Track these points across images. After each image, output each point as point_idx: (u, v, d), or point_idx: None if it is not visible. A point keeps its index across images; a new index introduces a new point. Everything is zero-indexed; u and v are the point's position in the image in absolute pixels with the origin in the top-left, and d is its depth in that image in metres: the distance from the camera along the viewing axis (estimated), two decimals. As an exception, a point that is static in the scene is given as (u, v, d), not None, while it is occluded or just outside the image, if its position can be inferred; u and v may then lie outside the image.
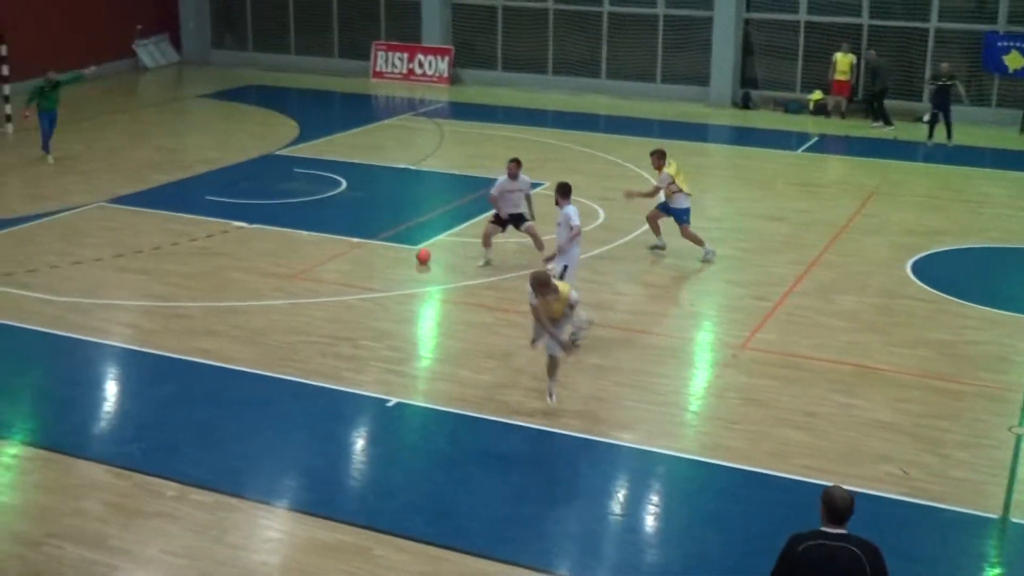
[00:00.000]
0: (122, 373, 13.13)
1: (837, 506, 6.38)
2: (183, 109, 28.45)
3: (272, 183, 20.92)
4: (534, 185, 19.92)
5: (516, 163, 16.48)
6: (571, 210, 14.00)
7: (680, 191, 16.52)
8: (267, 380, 12.56)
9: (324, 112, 28.64)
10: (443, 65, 31.40)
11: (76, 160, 22.43)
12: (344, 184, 20.67)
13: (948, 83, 24.15)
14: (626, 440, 11.29)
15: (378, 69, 32.16)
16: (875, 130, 25.77)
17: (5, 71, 24.84)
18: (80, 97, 28.47)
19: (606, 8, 29.79)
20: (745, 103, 28.38)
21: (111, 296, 15.05)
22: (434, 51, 31.49)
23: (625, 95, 29.22)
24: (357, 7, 32.72)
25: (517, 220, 16.47)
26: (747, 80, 28.90)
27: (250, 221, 18.31)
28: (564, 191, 14.12)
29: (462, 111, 28.06)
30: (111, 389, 12.72)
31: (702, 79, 29.04)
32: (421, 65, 31.62)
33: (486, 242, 16.45)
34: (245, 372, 12.75)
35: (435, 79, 31.36)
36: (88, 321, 14.16)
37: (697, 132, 26.03)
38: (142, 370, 13.05)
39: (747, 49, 28.74)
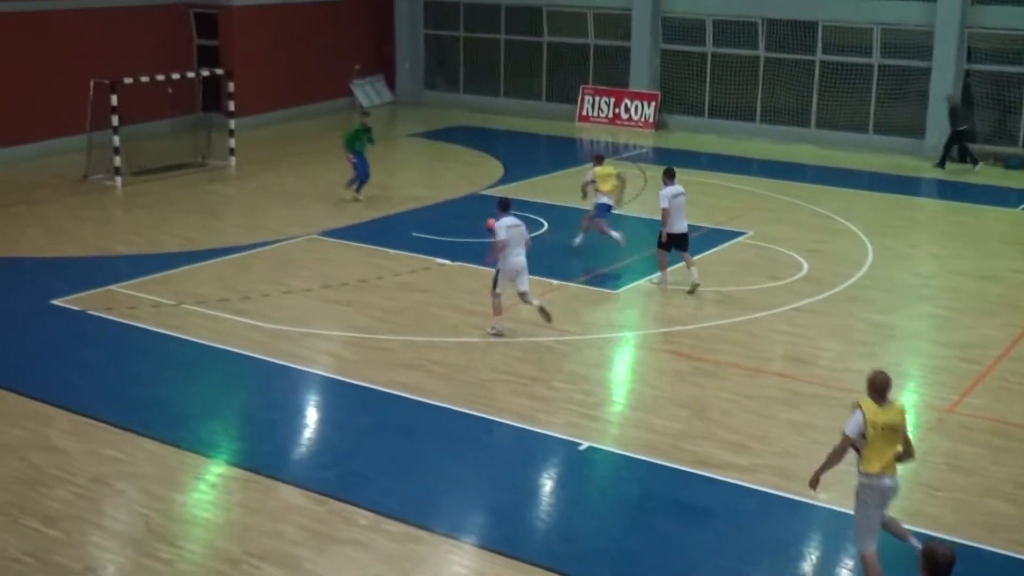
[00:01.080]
0: (323, 401, 13.54)
1: (939, 564, 6.36)
2: (395, 147, 29.30)
3: (476, 222, 21.23)
4: (739, 234, 19.71)
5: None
6: (501, 223, 15.04)
7: (600, 191, 18.62)
8: (461, 416, 12.73)
9: (529, 154, 29.02)
10: (650, 110, 31.42)
11: (292, 194, 23.36)
12: (546, 226, 20.85)
13: None
14: (821, 500, 10.93)
15: (584, 113, 32.43)
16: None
17: (232, 107, 26.15)
18: (299, 134, 29.72)
19: (818, 57, 29.25)
20: (962, 157, 27.30)
21: (317, 326, 15.57)
22: (641, 96, 31.56)
23: (835, 145, 28.58)
24: (566, 51, 33.13)
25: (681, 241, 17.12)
26: (965, 133, 27.83)
27: (453, 259, 18.67)
28: (502, 205, 15.42)
29: (667, 157, 27.92)
30: (312, 416, 13.12)
31: (917, 131, 28.14)
32: (627, 110, 31.73)
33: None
34: (440, 407, 12.95)
35: (641, 124, 31.41)
36: (294, 349, 14.68)
37: (909, 186, 25.21)
38: (342, 399, 13.42)
39: (967, 101, 27.70)
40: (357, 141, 22.48)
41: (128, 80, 24.01)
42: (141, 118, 24.61)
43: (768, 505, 10.91)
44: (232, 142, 25.96)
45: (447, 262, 18.53)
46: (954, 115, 26.37)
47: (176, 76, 25.76)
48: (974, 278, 18.19)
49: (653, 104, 31.39)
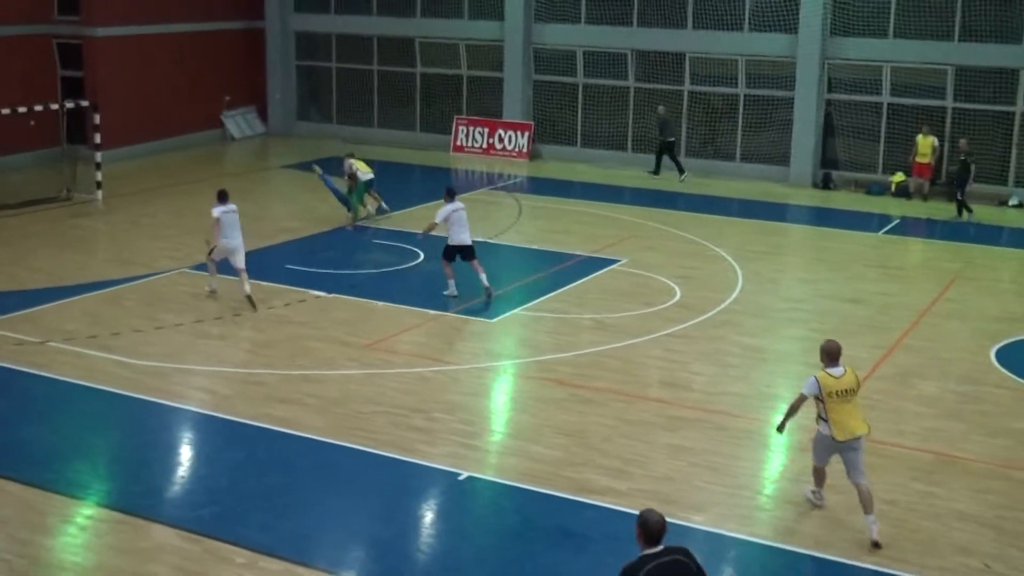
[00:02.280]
0: (196, 438, 13.25)
1: (653, 528, 7.23)
2: (267, 179, 28.98)
3: (350, 254, 21.16)
4: (613, 261, 20.03)
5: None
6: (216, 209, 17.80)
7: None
8: (339, 449, 12.59)
9: (404, 184, 28.96)
10: (523, 140, 31.69)
11: (162, 226, 22.90)
12: (422, 256, 20.82)
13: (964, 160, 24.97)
14: (697, 522, 11.10)
15: (459, 143, 32.56)
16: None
17: (98, 139, 25.55)
18: (168, 164, 29.17)
19: (687, 87, 29.90)
20: (826, 184, 28.18)
21: (189, 361, 15.26)
22: (514, 126, 31.81)
23: (704, 173, 29.19)
24: (439, 82, 33.24)
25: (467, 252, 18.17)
26: (828, 161, 28.74)
27: (328, 290, 18.51)
28: (220, 196, 18.13)
29: (541, 186, 28.23)
30: (184, 453, 12.83)
31: (782, 159, 28.95)
32: (501, 140, 31.95)
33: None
34: (317, 440, 12.79)
35: (515, 154, 31.65)
36: (165, 385, 14.35)
37: (776, 212, 25.89)
38: (215, 435, 13.16)
39: (828, 130, 28.62)
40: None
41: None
42: (2, 151, 23.88)
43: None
44: (99, 175, 25.32)
45: (322, 294, 18.37)
46: (663, 127, 28.83)
47: (39, 108, 25.04)
48: (840, 301, 18.72)
49: (526, 134, 31.66)
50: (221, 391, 14.28)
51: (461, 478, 11.97)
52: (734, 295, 18.77)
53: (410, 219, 23.79)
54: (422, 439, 12.86)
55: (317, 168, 24.35)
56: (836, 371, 10.84)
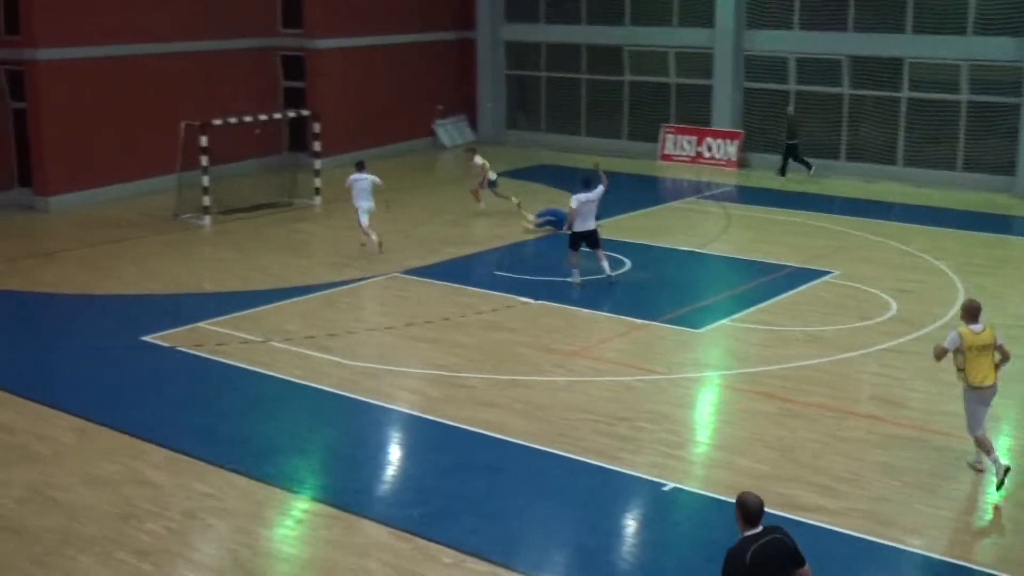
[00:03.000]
0: (406, 438, 13.59)
1: (751, 510, 7.53)
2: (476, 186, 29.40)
3: (558, 261, 21.28)
4: (825, 272, 19.61)
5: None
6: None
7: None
8: (544, 455, 12.68)
9: (611, 193, 28.86)
10: (732, 148, 31.26)
11: (377, 232, 23.55)
12: (629, 264, 20.80)
13: None
14: (914, 546, 10.69)
15: (666, 152, 32.37)
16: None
17: (317, 147, 26.55)
18: (383, 171, 29.98)
19: (905, 94, 28.90)
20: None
21: (401, 363, 15.67)
22: (723, 134, 31.42)
23: (922, 183, 28.16)
24: (648, 90, 33.13)
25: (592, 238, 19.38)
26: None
27: (535, 297, 18.69)
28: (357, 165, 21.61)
29: (750, 195, 27.79)
30: (395, 453, 13.17)
31: (1007, 168, 27.64)
32: (709, 148, 31.61)
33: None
34: (523, 445, 12.92)
35: (723, 163, 31.26)
36: (378, 386, 14.78)
37: (1001, 224, 24.73)
38: (425, 437, 13.46)
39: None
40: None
41: (217, 122, 24.51)
42: (229, 158, 25.09)
43: (861, 550, 10.68)
44: (318, 181, 26.34)
45: (530, 301, 18.56)
46: (791, 128, 29.25)
47: (263, 117, 26.22)
48: (1070, 318, 17.74)
49: (735, 142, 31.22)
50: (431, 393, 14.61)
51: (666, 489, 11.88)
52: (954, 310, 18.00)
53: (617, 228, 23.77)
54: (627, 448, 12.83)
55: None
56: (976, 327, 11.99)
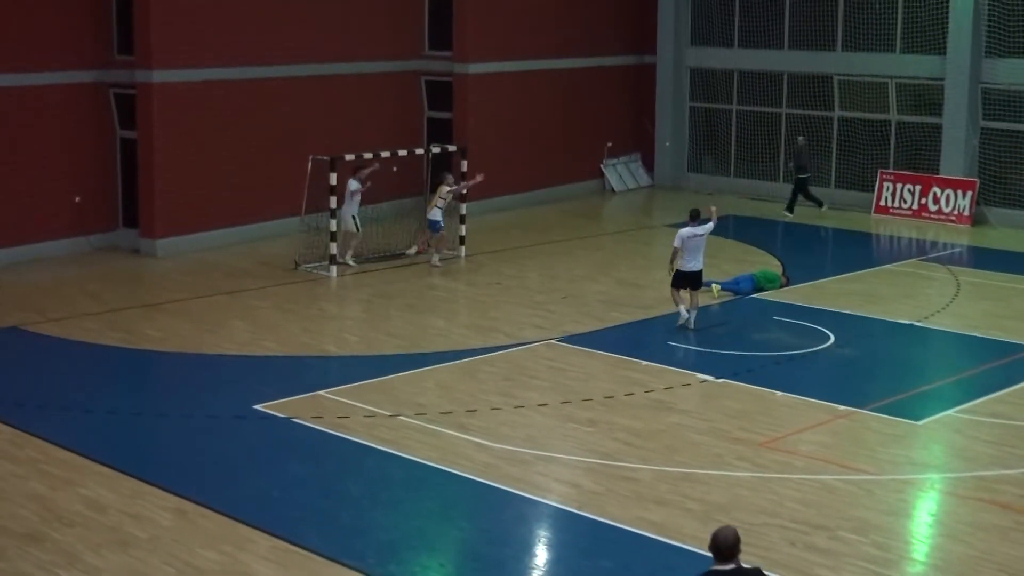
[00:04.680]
0: (558, 538, 13.57)
1: (720, 544, 8.33)
2: (651, 239, 29.52)
3: (745, 331, 21.13)
4: None
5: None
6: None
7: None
8: (723, 566, 12.50)
9: (814, 250, 28.71)
10: (965, 201, 30.65)
11: (530, 291, 23.82)
12: (832, 339, 20.50)
13: None
14: None
15: (882, 203, 31.91)
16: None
17: (464, 189, 26.95)
18: (540, 221, 30.34)
19: None
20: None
21: (553, 448, 15.70)
22: (954, 184, 30.84)
23: None
24: (862, 128, 32.80)
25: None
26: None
27: (716, 375, 18.56)
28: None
29: (985, 258, 27.14)
30: (542, 556, 13.17)
31: None
32: (936, 200, 31.05)
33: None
34: (697, 553, 12.76)
35: (953, 218, 30.66)
36: (526, 474, 14.83)
37: None
38: (581, 537, 13.42)
39: None
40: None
41: (350, 157, 25.17)
42: (363, 199, 25.70)
43: None
44: (463, 229, 26.77)
45: (709, 378, 18.43)
46: (799, 161, 31.46)
47: (403, 152, 26.81)
48: None
49: (969, 193, 30.60)
50: (588, 486, 14.59)
51: (872, 616, 11.60)
52: None
53: (820, 294, 23.50)
54: (825, 563, 12.58)
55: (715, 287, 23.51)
56: None
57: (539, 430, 16.36)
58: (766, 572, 9.88)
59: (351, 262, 25.32)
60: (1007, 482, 14.72)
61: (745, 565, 8.52)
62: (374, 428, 16.25)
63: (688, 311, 20.84)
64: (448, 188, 25.41)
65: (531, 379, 18.51)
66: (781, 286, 23.77)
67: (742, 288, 23.40)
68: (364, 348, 20.29)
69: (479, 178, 26.05)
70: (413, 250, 26.36)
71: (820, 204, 31.56)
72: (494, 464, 15.10)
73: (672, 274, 20.95)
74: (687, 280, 20.81)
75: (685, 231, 20.70)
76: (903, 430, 16.54)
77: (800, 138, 31.80)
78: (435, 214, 25.21)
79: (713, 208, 21.66)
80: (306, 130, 28.31)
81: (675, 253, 20.66)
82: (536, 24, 32.78)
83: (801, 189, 31.36)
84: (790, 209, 31.33)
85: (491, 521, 13.84)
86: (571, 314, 22.07)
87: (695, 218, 20.87)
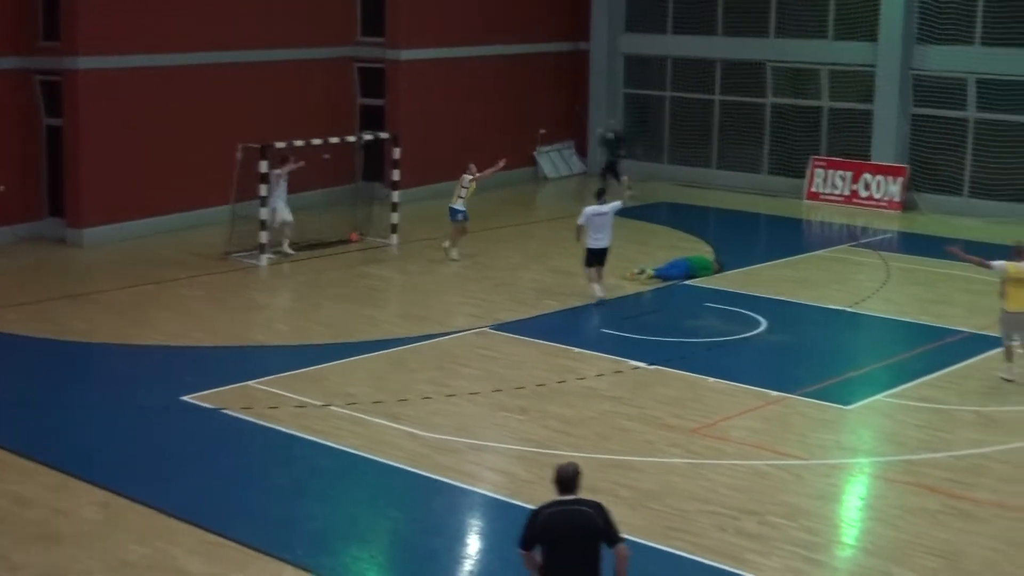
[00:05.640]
0: (489, 527, 13.58)
1: (561, 476, 9.20)
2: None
3: (677, 318, 21.23)
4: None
5: None
6: None
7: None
8: (653, 552, 12.57)
9: (745, 237, 28.88)
10: (895, 187, 30.95)
11: (462, 279, 23.81)
12: (764, 325, 20.65)
13: None
14: None
15: (814, 189, 32.16)
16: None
17: (396, 177, 26.84)
18: (473, 208, 30.25)
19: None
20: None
21: (485, 436, 15.71)
22: (885, 170, 31.14)
23: None
24: (794, 115, 33.02)
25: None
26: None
27: (649, 361, 18.63)
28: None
29: (915, 244, 27.44)
30: (474, 544, 13.18)
31: None
32: (867, 186, 31.34)
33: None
34: (629, 541, 12.79)
35: (884, 204, 30.95)
36: (458, 463, 14.83)
37: None
38: (512, 525, 13.28)
39: None
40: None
41: (280, 144, 24.99)
42: (293, 188, 25.54)
43: None
44: (395, 217, 26.67)
45: (642, 365, 18.50)
46: (612, 148, 32.29)
47: (335, 140, 26.64)
48: None
49: (900, 180, 30.90)
50: (520, 474, 14.61)
51: (802, 600, 11.72)
52: None
53: (752, 280, 23.67)
54: (755, 548, 12.68)
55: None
56: (1022, 265, 17.42)
57: (471, 419, 16.36)
58: (704, 562, 9.90)
59: (289, 250, 25.16)
60: (935, 465, 14.91)
61: (586, 498, 9.23)
62: (304, 418, 16.18)
63: (600, 288, 21.73)
64: (471, 177, 25.22)
65: (463, 367, 18.49)
66: (714, 272, 23.91)
67: (675, 274, 23.53)
68: (294, 338, 20.20)
69: (501, 163, 26.43)
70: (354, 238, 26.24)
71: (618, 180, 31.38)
72: (425, 453, 15.08)
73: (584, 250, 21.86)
74: (595, 257, 21.71)
75: (590, 209, 21.71)
76: (833, 415, 16.70)
77: (611, 122, 32.64)
78: (458, 204, 24.99)
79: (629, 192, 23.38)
80: (236, 118, 28.04)
81: (580, 230, 21.76)
82: (470, 10, 32.72)
83: (610, 170, 31.91)
84: (617, 178, 31.50)
85: (422, 510, 13.84)
86: (504, 302, 22.08)
87: (600, 197, 22.08)
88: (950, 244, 19.89)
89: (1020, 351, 18.04)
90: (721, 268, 24.16)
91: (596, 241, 21.65)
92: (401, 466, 14.72)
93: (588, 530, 9.07)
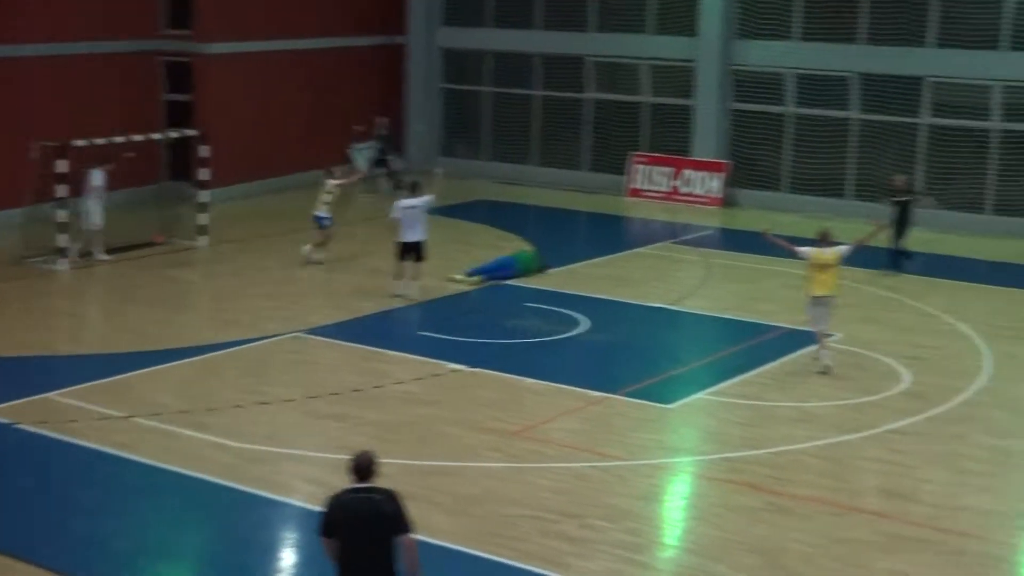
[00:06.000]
0: (304, 539, 13.44)
1: (358, 466, 9.54)
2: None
3: (497, 318, 21.33)
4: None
5: None
6: None
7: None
8: (474, 560, 12.65)
9: (566, 235, 29.14)
10: (715, 183, 31.60)
11: (275, 282, 23.57)
12: (585, 324, 20.88)
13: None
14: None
15: (635, 186, 32.65)
16: None
17: (205, 176, 26.39)
18: (286, 207, 29.99)
19: (925, 119, 29.40)
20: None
21: (298, 445, 15.57)
22: (706, 166, 31.78)
23: (943, 228, 28.56)
24: (614, 111, 33.48)
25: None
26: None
27: (468, 364, 18.69)
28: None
29: (736, 240, 28.05)
30: (288, 559, 13.06)
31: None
32: (688, 182, 31.93)
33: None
34: (447, 548, 12.86)
35: (705, 200, 31.57)
36: (270, 474, 14.68)
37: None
38: (327, 537, 13.33)
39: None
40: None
41: (80, 142, 24.38)
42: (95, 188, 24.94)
43: None
44: (203, 218, 26.26)
45: (461, 367, 18.56)
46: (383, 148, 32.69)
47: (139, 138, 26.10)
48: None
49: (721, 175, 31.56)
50: (337, 484, 14.34)
51: (623, 603, 11.89)
52: (978, 383, 18.27)
53: (572, 278, 23.92)
54: (576, 552, 12.82)
55: None
56: (826, 251, 18.53)
57: (284, 427, 16.21)
58: (536, 570, 10.00)
59: (105, 256, 24.51)
60: (756, 463, 15.26)
61: (379, 486, 9.55)
62: (107, 431, 15.82)
63: (409, 282, 22.11)
64: (335, 182, 25.10)
65: (276, 374, 18.31)
66: (541, 271, 24.06)
67: (503, 273, 23.59)
68: (97, 346, 19.76)
69: (361, 174, 27.20)
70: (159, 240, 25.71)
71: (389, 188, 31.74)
72: (236, 464, 14.88)
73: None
74: (410, 251, 22.04)
75: (401, 203, 22.23)
76: (654, 414, 16.98)
77: (383, 120, 32.97)
78: (323, 210, 24.62)
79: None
80: (32, 115, 27.30)
81: (395, 224, 22.11)
82: (281, 2, 32.41)
83: (383, 164, 32.56)
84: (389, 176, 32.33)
85: (234, 525, 13.67)
86: (318, 305, 21.93)
87: (413, 190, 22.48)
88: (764, 232, 20.40)
89: (828, 337, 18.79)
90: (545, 267, 24.25)
91: (409, 235, 21.96)
92: (211, 479, 14.49)
93: (378, 517, 9.40)
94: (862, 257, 21.33)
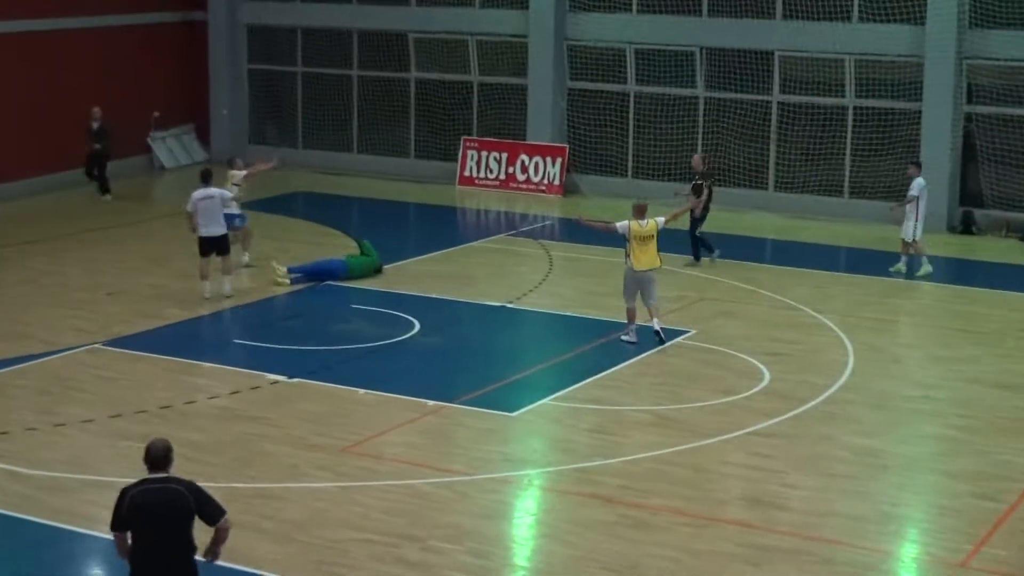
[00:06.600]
0: (114, 575, 13.26)
1: (150, 454, 9.74)
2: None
3: (321, 323, 21.23)
4: (678, 332, 20.01)
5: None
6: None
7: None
8: (304, 591, 12.58)
9: (393, 229, 29.08)
10: (554, 169, 31.83)
11: (67, 288, 23.09)
12: (417, 326, 20.90)
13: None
14: None
15: (467, 174, 32.75)
16: None
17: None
18: (77, 204, 29.39)
19: (776, 97, 30.01)
20: (967, 227, 28.16)
21: (103, 471, 15.29)
22: (543, 151, 31.99)
23: (801, 213, 29.21)
24: (441, 92, 33.51)
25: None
26: (969, 196, 28.71)
27: (290, 374, 18.58)
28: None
29: (579, 231, 28.18)
30: (96, 597, 12.87)
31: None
32: (524, 169, 32.10)
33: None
34: (275, 579, 12.80)
35: (543, 187, 31.78)
36: (71, 504, 14.40)
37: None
38: (138, 573, 13.12)
39: (969, 155, 28.60)
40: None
41: None
42: None
43: None
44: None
45: (282, 379, 18.43)
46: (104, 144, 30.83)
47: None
48: (989, 387, 18.63)
49: (559, 161, 31.80)
50: (145, 512, 14.28)
51: (471, 631, 11.94)
52: (843, 379, 18.71)
53: (402, 277, 23.90)
54: (418, 577, 12.85)
55: None
56: (643, 223, 19.64)
57: (86, 451, 15.92)
58: None
59: None
60: (609, 473, 15.41)
61: (178, 476, 9.81)
62: None
63: (221, 277, 22.12)
64: (242, 174, 24.58)
65: (73, 392, 17.98)
66: (376, 271, 23.86)
67: (333, 272, 23.38)
68: None
69: (273, 162, 26.54)
70: None
71: (105, 191, 30.92)
72: (32, 495, 14.60)
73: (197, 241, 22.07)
74: (213, 246, 21.96)
75: (197, 194, 22.00)
76: (497, 423, 17.05)
77: (95, 110, 30.85)
78: (233, 207, 23.50)
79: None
80: None
81: (190, 218, 22.01)
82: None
83: (98, 164, 30.90)
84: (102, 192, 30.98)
85: (32, 563, 13.35)
86: (120, 313, 21.55)
87: (207, 180, 22.34)
88: (578, 217, 21.32)
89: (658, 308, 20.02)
90: (381, 268, 24.03)
91: (208, 228, 21.87)
92: (5, 512, 14.17)
93: (178, 509, 9.63)
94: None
